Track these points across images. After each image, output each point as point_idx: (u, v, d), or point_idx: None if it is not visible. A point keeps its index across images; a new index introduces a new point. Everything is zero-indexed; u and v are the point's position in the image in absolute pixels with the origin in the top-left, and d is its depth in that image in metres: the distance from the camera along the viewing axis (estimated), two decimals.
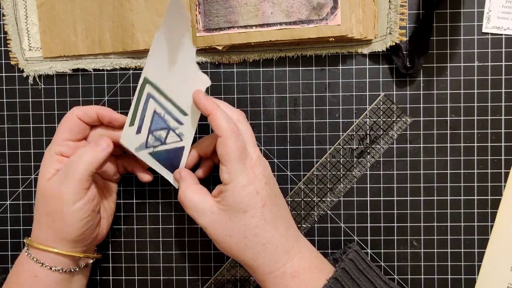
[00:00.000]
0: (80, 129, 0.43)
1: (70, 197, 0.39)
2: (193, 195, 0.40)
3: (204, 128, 0.49)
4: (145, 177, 0.46)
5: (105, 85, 0.49)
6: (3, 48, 0.49)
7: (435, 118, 0.48)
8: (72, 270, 0.42)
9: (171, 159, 0.44)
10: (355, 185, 0.48)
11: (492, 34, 0.47)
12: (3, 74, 0.50)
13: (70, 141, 0.42)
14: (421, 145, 0.48)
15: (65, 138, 0.42)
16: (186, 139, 0.44)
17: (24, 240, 0.42)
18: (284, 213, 0.41)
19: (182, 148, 0.44)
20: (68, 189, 0.39)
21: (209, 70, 0.49)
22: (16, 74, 0.49)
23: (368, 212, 0.48)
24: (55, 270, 0.41)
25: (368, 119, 0.48)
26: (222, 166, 0.39)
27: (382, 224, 0.48)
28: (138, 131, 0.43)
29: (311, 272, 0.39)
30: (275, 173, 0.49)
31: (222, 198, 0.39)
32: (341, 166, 0.48)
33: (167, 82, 0.42)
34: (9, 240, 0.50)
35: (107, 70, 0.49)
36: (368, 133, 0.48)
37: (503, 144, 0.47)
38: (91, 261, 0.45)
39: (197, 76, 0.41)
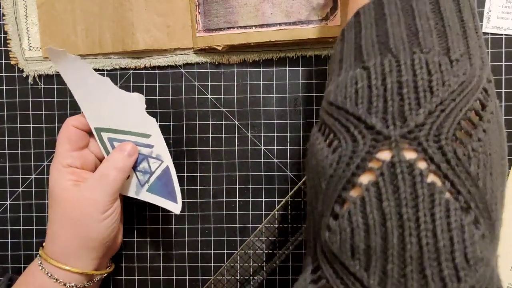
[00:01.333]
0: (78, 137, 0.42)
1: (103, 204, 0.40)
2: None
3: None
4: None
5: None
6: (3, 48, 0.49)
7: None
8: (86, 285, 0.42)
9: (165, 185, 0.44)
10: None
11: (492, 34, 0.47)
12: (3, 74, 0.50)
13: (73, 152, 0.42)
14: None
15: (67, 149, 0.41)
16: (165, 157, 0.43)
17: (39, 252, 0.42)
18: None
19: (167, 168, 0.43)
20: (101, 197, 0.40)
21: (209, 70, 0.49)
22: (16, 74, 0.50)
23: None
24: (69, 286, 0.41)
25: None
26: None
27: None
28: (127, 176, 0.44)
29: None
30: (275, 173, 0.49)
31: None
32: None
33: (113, 119, 0.42)
34: (9, 240, 0.50)
35: (107, 70, 0.49)
36: None
37: None
38: (105, 274, 0.45)
39: (128, 97, 0.42)
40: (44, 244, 0.42)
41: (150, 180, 0.44)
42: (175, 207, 0.43)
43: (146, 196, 0.44)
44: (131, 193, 0.44)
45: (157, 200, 0.44)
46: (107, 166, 0.41)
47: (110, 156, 0.42)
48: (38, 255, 0.42)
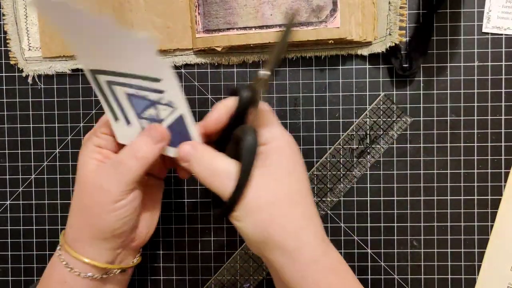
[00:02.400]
0: None
1: (115, 194, 0.36)
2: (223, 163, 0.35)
3: None
4: (185, 174, 0.42)
5: None
6: (2, 48, 0.49)
7: (435, 118, 0.48)
8: (105, 276, 0.39)
9: (180, 136, 0.38)
10: (355, 185, 0.48)
11: (492, 34, 0.47)
12: (3, 74, 0.50)
13: (108, 135, 0.38)
14: (421, 145, 0.48)
15: (103, 131, 0.38)
16: (179, 104, 0.36)
17: (60, 238, 0.40)
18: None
19: (181, 117, 0.37)
20: (115, 187, 0.36)
21: (209, 70, 0.48)
22: (16, 74, 0.49)
23: (368, 212, 0.48)
24: (85, 277, 0.38)
25: (368, 119, 0.48)
26: (261, 129, 0.35)
27: (382, 224, 0.48)
28: (127, 121, 0.38)
29: (347, 270, 0.36)
30: None
31: (265, 159, 0.34)
32: (341, 166, 0.48)
33: (113, 60, 0.35)
34: (9, 240, 0.50)
35: None
36: (368, 133, 0.48)
37: (503, 144, 0.47)
38: (129, 265, 0.42)
39: (135, 37, 0.32)
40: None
41: None
42: None
43: None
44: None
45: (171, 151, 0.38)
46: (127, 153, 0.36)
47: (135, 142, 0.36)
48: (59, 245, 0.40)
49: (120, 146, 0.38)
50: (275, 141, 0.35)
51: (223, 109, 0.36)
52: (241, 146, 0.34)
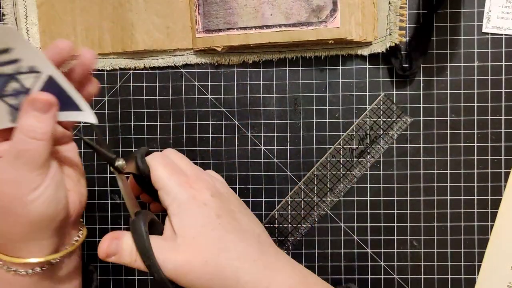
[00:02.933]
0: None
1: (30, 183, 0.32)
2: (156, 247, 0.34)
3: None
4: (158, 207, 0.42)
5: (105, 85, 0.49)
6: None
7: (435, 118, 0.48)
8: (45, 268, 0.35)
9: (59, 96, 0.33)
10: (355, 185, 0.48)
11: (492, 34, 0.47)
12: None
13: None
14: (421, 145, 0.48)
15: None
16: (42, 65, 0.32)
17: None
18: (250, 228, 0.37)
19: (51, 78, 0.33)
20: (26, 177, 0.31)
21: (209, 70, 0.49)
22: None
23: (368, 212, 0.48)
24: (20, 274, 0.34)
25: (368, 119, 0.48)
26: (159, 193, 0.36)
27: (382, 224, 0.48)
28: None
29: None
30: (275, 173, 0.49)
31: (175, 224, 0.35)
32: (341, 166, 0.48)
33: None
34: None
35: (106, 70, 0.49)
36: (368, 133, 0.48)
37: (503, 144, 0.47)
38: (78, 237, 0.38)
39: None
40: None
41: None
42: (85, 115, 0.34)
43: None
44: (5, 124, 0.33)
45: (59, 115, 0.34)
46: (23, 139, 0.31)
47: (21, 122, 0.32)
48: None
49: (3, 131, 0.34)
50: (175, 202, 0.35)
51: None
52: (131, 231, 0.35)
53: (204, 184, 0.37)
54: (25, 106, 0.32)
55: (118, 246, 0.34)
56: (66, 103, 0.34)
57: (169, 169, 0.36)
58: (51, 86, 0.33)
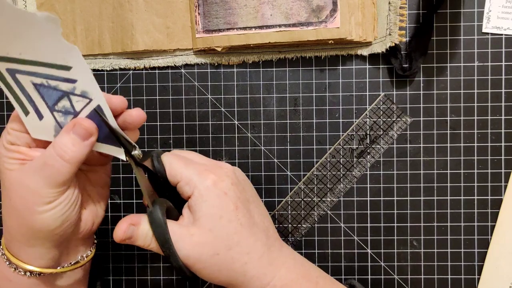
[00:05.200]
0: None
1: (44, 196, 0.33)
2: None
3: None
4: None
5: (105, 85, 0.49)
6: None
7: (435, 118, 0.48)
8: (43, 275, 0.36)
9: (99, 127, 0.35)
10: (355, 185, 0.48)
11: (492, 34, 0.47)
12: None
13: (18, 132, 0.34)
14: (421, 145, 0.48)
15: (14, 128, 0.34)
16: (93, 94, 0.33)
17: (1, 240, 0.37)
18: (261, 221, 0.38)
19: (99, 108, 0.34)
20: (44, 189, 0.32)
21: (209, 70, 0.49)
22: None
23: (368, 212, 0.48)
24: (30, 276, 0.36)
25: (368, 119, 0.48)
26: (179, 187, 0.36)
27: (382, 224, 0.48)
28: (39, 116, 0.34)
29: (299, 282, 0.37)
30: (275, 173, 0.49)
31: (194, 212, 0.35)
32: (341, 166, 0.48)
33: (13, 44, 0.31)
34: None
35: (106, 70, 0.49)
36: (368, 133, 0.48)
37: (503, 144, 0.47)
38: (84, 257, 0.39)
39: (34, 17, 0.29)
40: None
41: None
42: (119, 152, 0.36)
43: None
44: (48, 137, 0.34)
45: (96, 146, 0.35)
46: (52, 154, 0.32)
47: (57, 139, 0.33)
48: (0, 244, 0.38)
49: (39, 140, 0.35)
50: (196, 191, 0.35)
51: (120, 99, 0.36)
52: (149, 221, 0.35)
53: (224, 171, 0.37)
54: (67, 126, 0.33)
55: (134, 232, 0.35)
56: (106, 136, 0.35)
57: (184, 161, 0.37)
58: (97, 115, 0.34)
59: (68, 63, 0.32)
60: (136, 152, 0.36)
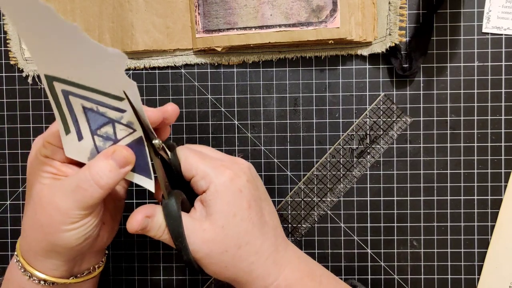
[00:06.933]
0: None
1: (72, 216, 0.33)
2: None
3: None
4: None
5: None
6: (2, 48, 0.49)
7: (435, 118, 0.48)
8: (55, 285, 0.37)
9: (136, 158, 0.35)
10: (355, 185, 0.48)
11: (492, 34, 0.47)
12: (3, 74, 0.50)
13: (55, 147, 0.35)
14: (421, 145, 0.48)
15: (51, 141, 0.35)
16: (139, 127, 0.34)
17: (16, 246, 0.38)
18: (270, 219, 0.38)
19: (141, 139, 0.35)
20: (72, 210, 0.33)
21: (209, 70, 0.49)
22: (16, 74, 0.49)
23: (368, 212, 0.48)
24: (43, 285, 0.36)
25: (368, 119, 0.48)
26: (193, 181, 0.36)
27: (382, 224, 0.48)
28: (80, 137, 0.34)
29: (303, 282, 0.38)
30: (275, 173, 0.49)
31: (208, 207, 0.35)
32: (341, 166, 0.48)
33: (75, 70, 0.31)
34: (9, 240, 0.50)
35: None
36: (368, 133, 0.48)
37: (503, 144, 0.47)
38: (95, 269, 0.40)
39: (104, 51, 0.30)
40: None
41: None
42: (149, 184, 0.36)
43: None
44: (83, 159, 0.35)
45: (129, 175, 0.36)
46: (87, 179, 0.33)
47: (93, 162, 0.33)
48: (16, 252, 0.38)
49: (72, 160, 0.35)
50: (212, 186, 0.35)
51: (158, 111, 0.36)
52: (164, 213, 0.35)
53: (240, 167, 0.37)
54: (106, 151, 0.34)
55: (148, 224, 0.35)
56: (140, 166, 0.35)
57: (200, 155, 0.37)
58: (138, 146, 0.35)
59: (122, 95, 0.33)
60: (157, 141, 0.35)
